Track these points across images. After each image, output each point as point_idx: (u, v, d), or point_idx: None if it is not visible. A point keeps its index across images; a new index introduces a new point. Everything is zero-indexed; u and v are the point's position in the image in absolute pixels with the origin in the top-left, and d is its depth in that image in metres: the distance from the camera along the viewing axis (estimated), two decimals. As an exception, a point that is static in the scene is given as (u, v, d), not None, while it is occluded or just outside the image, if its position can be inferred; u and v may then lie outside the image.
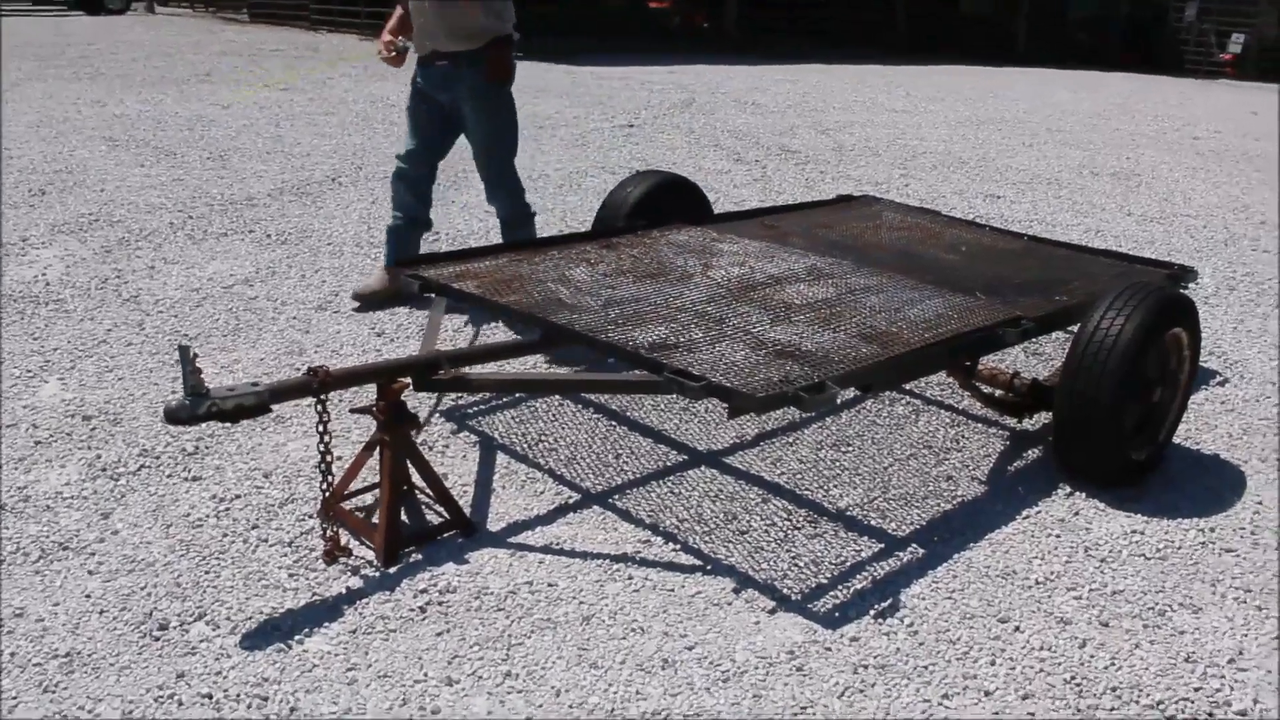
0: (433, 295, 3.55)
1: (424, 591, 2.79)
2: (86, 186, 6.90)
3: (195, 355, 2.59)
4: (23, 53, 14.47)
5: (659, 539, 3.06)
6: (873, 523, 3.19)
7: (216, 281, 5.16)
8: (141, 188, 6.93)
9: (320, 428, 2.81)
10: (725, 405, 2.75)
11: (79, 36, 18.20)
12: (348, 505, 3.12)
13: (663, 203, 4.68)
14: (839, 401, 3.85)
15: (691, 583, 2.86)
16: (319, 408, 2.81)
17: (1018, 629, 2.73)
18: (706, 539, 3.07)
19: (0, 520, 3.05)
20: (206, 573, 2.85)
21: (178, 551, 2.94)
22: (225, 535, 3.02)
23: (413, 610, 2.71)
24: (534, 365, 4.17)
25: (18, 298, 4.83)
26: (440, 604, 2.74)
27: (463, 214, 6.48)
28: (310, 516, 3.11)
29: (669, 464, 3.51)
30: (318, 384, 2.77)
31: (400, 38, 4.63)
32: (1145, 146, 9.96)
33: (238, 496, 3.22)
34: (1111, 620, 2.77)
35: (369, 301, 4.86)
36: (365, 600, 2.75)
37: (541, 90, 10.80)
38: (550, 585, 2.83)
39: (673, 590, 2.82)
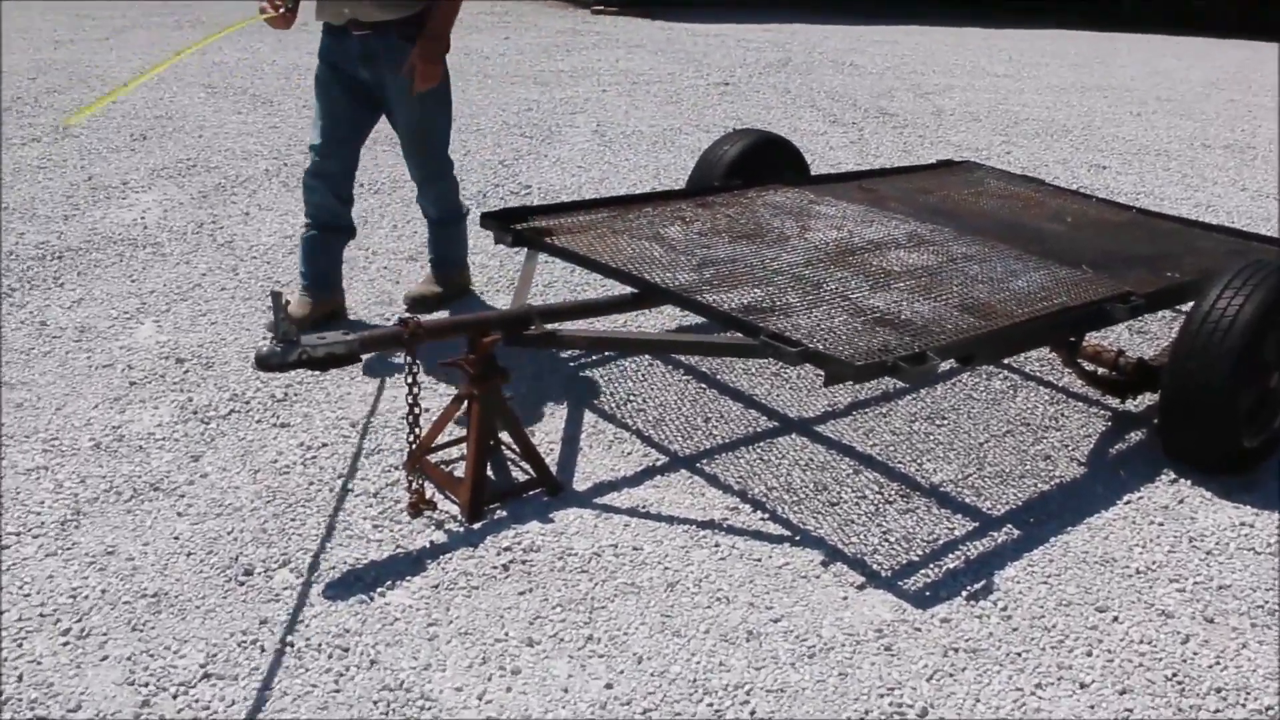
0: (525, 249, 3.51)
1: (508, 549, 2.76)
2: (185, 132, 6.99)
3: (288, 302, 2.58)
4: (127, -2, 14.72)
5: (747, 506, 3.00)
6: (966, 500, 3.09)
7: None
8: (238, 134, 7.00)
9: (409, 379, 2.79)
10: (821, 372, 2.66)
11: (181, -17, 18.45)
12: (434, 459, 3.11)
13: (759, 162, 4.57)
14: (938, 373, 3.73)
15: (779, 553, 2.79)
16: (408, 359, 2.79)
17: (1116, 619, 2.62)
18: (795, 509, 3.00)
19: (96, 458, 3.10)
20: (292, 520, 2.86)
21: (264, 498, 2.95)
22: (311, 484, 3.03)
23: (496, 568, 2.69)
24: (625, 323, 4.12)
25: (117, 240, 4.91)
26: (524, 563, 2.72)
27: (555, 168, 6.43)
28: (396, 468, 3.11)
29: (759, 430, 3.44)
30: (408, 335, 2.75)
31: None
32: (1262, 118, 9.52)
33: (325, 445, 3.23)
34: (1217, 616, 2.65)
35: (419, 305, 4.20)
36: (448, 555, 2.74)
37: (635, 46, 10.68)
38: (635, 549, 2.79)
39: (759, 560, 2.76)
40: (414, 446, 2.88)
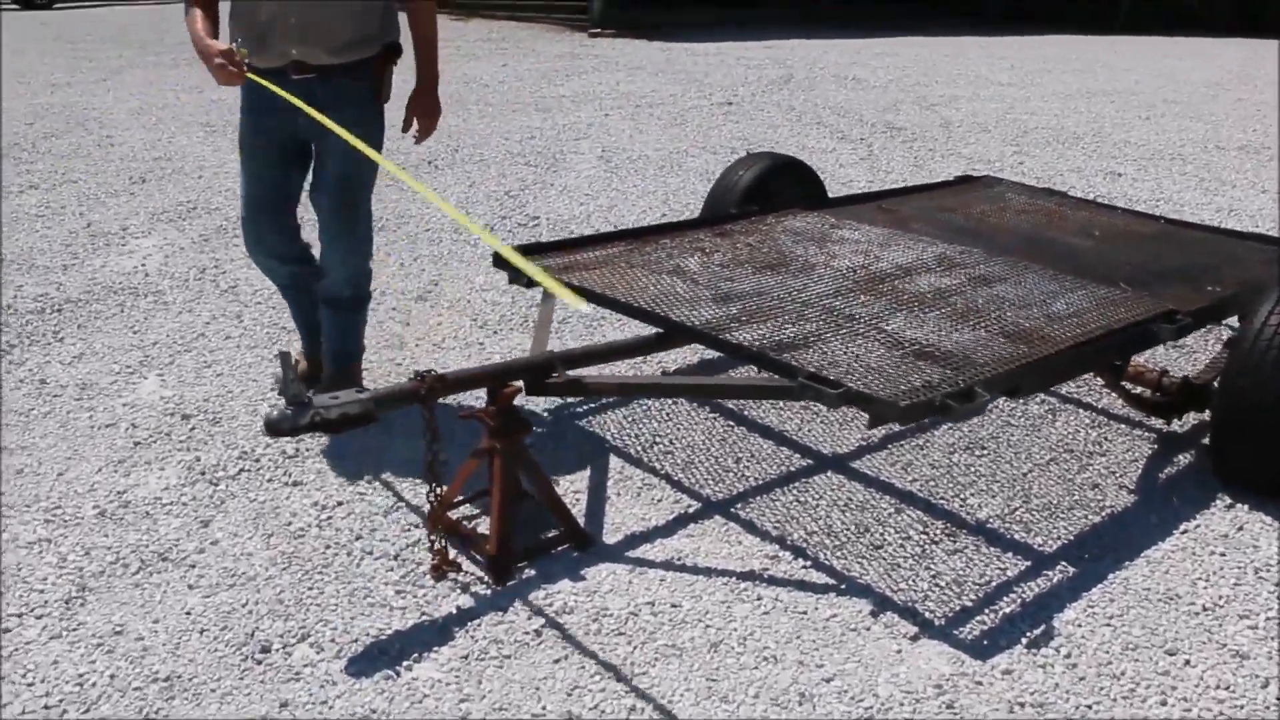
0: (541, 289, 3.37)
1: (539, 613, 2.62)
2: (185, 174, 6.88)
3: (297, 362, 2.45)
4: (124, 39, 14.69)
5: (787, 554, 2.85)
6: (1016, 537, 2.94)
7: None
8: (239, 175, 6.88)
9: (428, 435, 2.65)
10: (864, 413, 2.52)
11: (177, 21, 18.44)
12: (455, 515, 2.97)
13: (775, 186, 4.44)
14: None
15: (825, 604, 2.64)
16: (427, 414, 2.65)
17: (1188, 663, 2.46)
18: (839, 554, 2.85)
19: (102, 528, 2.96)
20: (310, 588, 2.71)
21: (279, 564, 2.81)
22: (328, 547, 2.89)
23: (527, 634, 2.54)
24: (653, 364, 3.98)
25: (118, 289, 4.79)
26: (557, 626, 2.57)
27: (562, 197, 6.31)
28: (416, 527, 2.96)
29: (792, 469, 3.29)
30: (425, 390, 2.61)
31: (235, 44, 3.16)
32: (1272, 117, 9.39)
33: (340, 503, 3.09)
34: (1298, 657, 2.50)
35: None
36: (477, 622, 2.59)
37: (635, 68, 10.59)
38: (674, 606, 2.64)
39: (805, 613, 2.61)
40: (435, 505, 2.74)
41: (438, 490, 2.71)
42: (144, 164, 7.11)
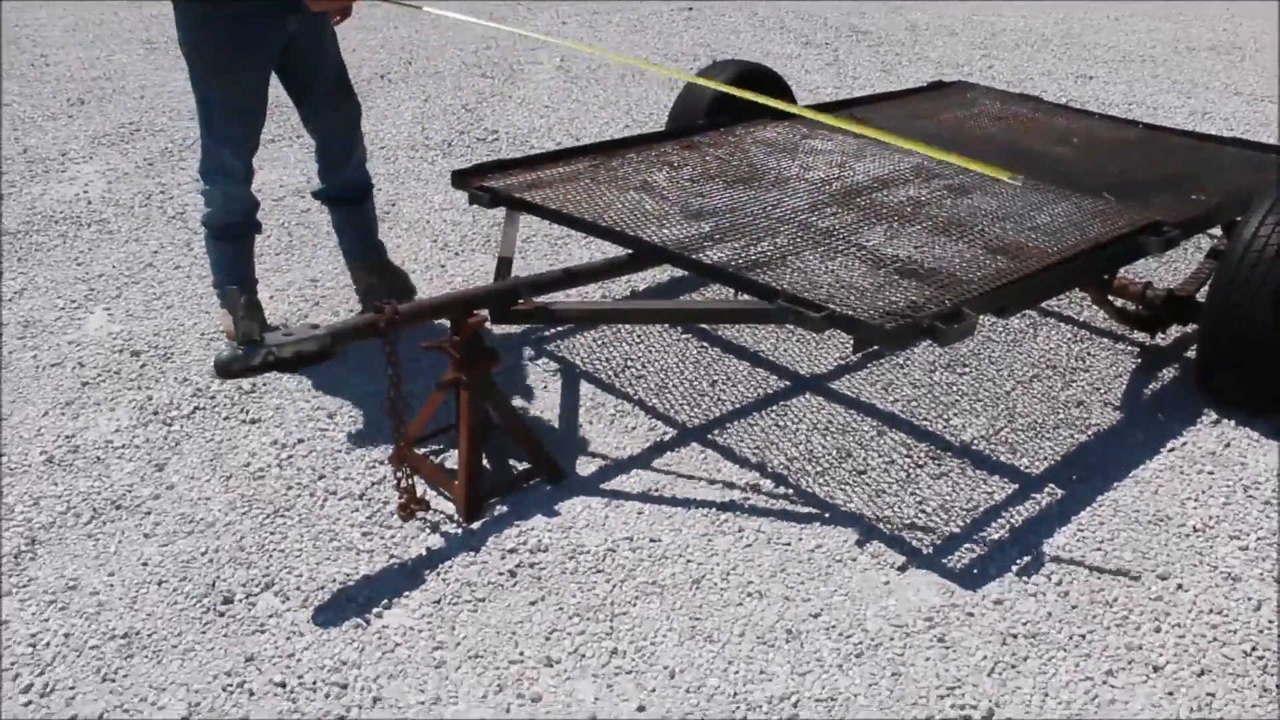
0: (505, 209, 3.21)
1: (513, 551, 2.51)
2: (126, 94, 6.56)
3: (244, 299, 2.29)
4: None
5: (768, 482, 2.76)
6: (1002, 458, 2.87)
7: (266, 193, 4.83)
8: (183, 93, 6.55)
9: (390, 369, 2.51)
10: (849, 336, 2.41)
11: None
12: (422, 451, 2.85)
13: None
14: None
15: (809, 534, 2.56)
16: (388, 347, 2.51)
17: (1181, 587, 2.41)
18: (821, 480, 2.76)
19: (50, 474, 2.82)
20: (272, 533, 2.59)
21: (239, 509, 2.68)
22: (290, 488, 2.76)
23: (502, 574, 2.45)
24: (624, 285, 3.84)
25: (59, 219, 4.56)
26: (532, 566, 2.47)
27: (520, 109, 6.08)
28: (381, 464, 2.84)
29: (770, 391, 3.19)
30: (385, 322, 2.46)
31: None
32: (1241, 14, 9.23)
33: (301, 441, 2.96)
34: (1292, 576, 2.45)
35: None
36: (448, 563, 2.49)
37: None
38: (653, 541, 2.54)
39: (789, 544, 2.53)
40: (399, 441, 2.61)
41: (401, 426, 2.58)
42: (82, 84, 6.77)
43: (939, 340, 2.35)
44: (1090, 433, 2.99)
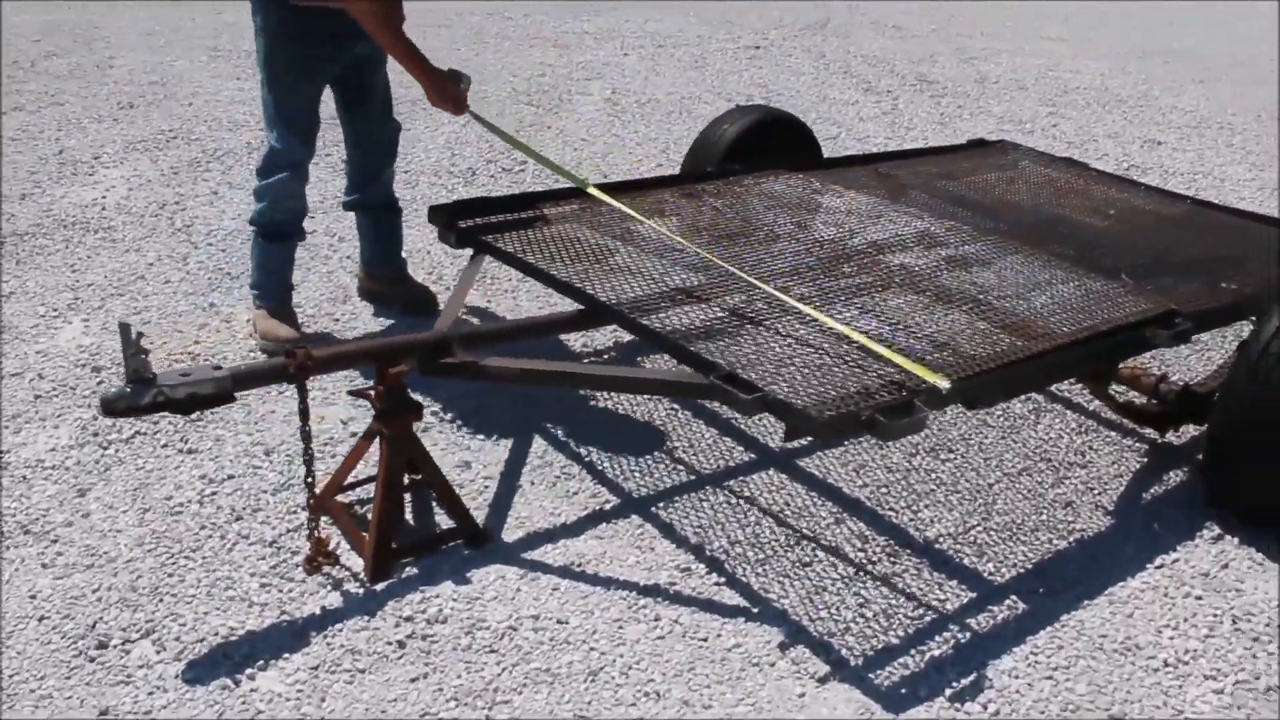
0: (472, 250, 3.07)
1: (409, 619, 2.35)
2: (176, 100, 6.61)
3: (139, 335, 2.17)
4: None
5: (701, 566, 2.55)
6: (966, 561, 2.62)
7: None
8: (231, 102, 6.60)
9: (302, 416, 2.37)
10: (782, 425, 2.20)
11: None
12: (347, 499, 2.70)
13: (764, 143, 4.07)
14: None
15: (730, 631, 2.35)
16: (302, 393, 2.37)
17: (1136, 731, 2.14)
18: (759, 570, 2.55)
19: (-36, 493, 2.73)
20: (169, 575, 2.47)
21: (146, 545, 2.56)
22: (203, 528, 2.63)
23: (390, 644, 2.28)
24: (579, 344, 3.66)
25: (69, 223, 4.54)
26: (424, 638, 2.30)
27: (556, 141, 5.95)
28: (303, 508, 2.70)
29: (732, 463, 2.98)
30: (294, 368, 2.32)
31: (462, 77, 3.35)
32: (1343, 86, 8.74)
33: (230, 477, 2.83)
34: (1263, 733, 2.16)
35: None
36: (339, 626, 2.33)
37: (664, 6, 10.10)
38: (559, 622, 2.35)
39: (705, 640, 2.32)
40: (310, 494, 2.46)
41: (310, 479, 2.43)
42: (138, 88, 6.84)
43: (880, 435, 2.13)
44: (1072, 539, 2.72)
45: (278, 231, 3.50)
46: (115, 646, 2.25)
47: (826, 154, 5.26)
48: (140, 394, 2.16)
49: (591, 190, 3.01)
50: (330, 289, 4.02)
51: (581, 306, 2.68)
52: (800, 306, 2.55)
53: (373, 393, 2.48)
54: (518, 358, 2.55)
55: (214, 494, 2.76)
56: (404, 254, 3.94)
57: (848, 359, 2.41)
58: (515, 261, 2.90)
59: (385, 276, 3.87)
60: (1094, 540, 2.73)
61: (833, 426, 2.11)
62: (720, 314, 2.63)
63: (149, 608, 2.36)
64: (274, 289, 3.54)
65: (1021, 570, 2.59)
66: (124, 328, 2.13)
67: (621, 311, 2.55)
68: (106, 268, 4.12)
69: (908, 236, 3.31)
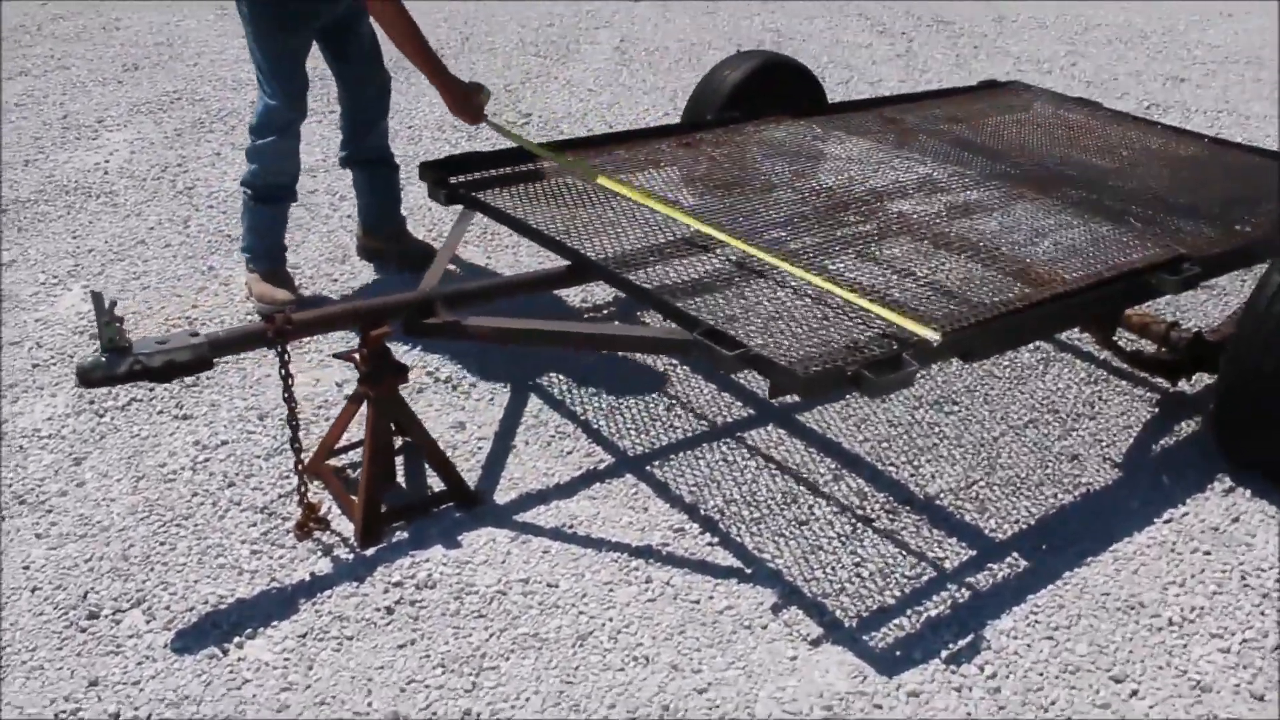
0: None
1: (398, 585, 2.33)
2: (182, 60, 6.55)
3: (113, 304, 2.14)
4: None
5: (695, 526, 2.51)
6: (966, 518, 2.56)
7: None
8: (236, 61, 6.53)
9: (284, 381, 2.34)
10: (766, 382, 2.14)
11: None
12: (339, 463, 2.68)
13: (767, 90, 3.98)
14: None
15: (722, 592, 2.31)
16: (282, 358, 2.33)
17: (1135, 693, 2.09)
18: (754, 529, 2.50)
19: (-42, 464, 2.73)
20: (161, 543, 2.45)
21: (139, 513, 2.55)
22: (195, 495, 2.62)
23: (378, 610, 2.26)
24: (575, 299, 3.60)
25: (71, 189, 4.51)
26: (413, 603, 2.28)
27: (563, 92, 5.85)
28: (294, 473, 2.67)
29: (731, 419, 2.93)
30: (274, 332, 2.28)
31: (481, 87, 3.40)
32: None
33: (224, 443, 2.81)
34: (1267, 693, 2.10)
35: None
36: (328, 593, 2.31)
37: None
38: (550, 585, 2.32)
39: (697, 602, 2.28)
40: (298, 459, 2.43)
41: (296, 444, 2.40)
42: (143, 49, 6.78)
43: (867, 392, 2.07)
44: (1077, 494, 2.66)
45: (269, 194, 3.46)
46: (106, 617, 2.25)
47: (839, 99, 5.15)
48: (116, 363, 2.13)
49: (603, 181, 2.94)
50: (329, 248, 3.98)
51: (569, 262, 2.62)
52: (778, 263, 2.48)
53: (357, 356, 2.45)
54: (503, 317, 2.49)
55: (207, 460, 2.75)
56: (404, 211, 3.89)
57: (841, 313, 2.35)
58: (504, 218, 2.84)
59: (383, 234, 3.82)
60: (1100, 495, 2.67)
61: (817, 383, 2.06)
62: (712, 269, 2.57)
63: (140, 577, 2.35)
64: (266, 251, 3.50)
65: (1024, 527, 2.53)
66: (96, 296, 2.10)
67: (606, 267, 2.49)
68: (108, 233, 4.10)
69: (910, 183, 3.22)
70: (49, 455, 2.78)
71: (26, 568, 2.39)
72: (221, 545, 2.45)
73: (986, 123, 3.98)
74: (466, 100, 3.28)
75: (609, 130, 5.19)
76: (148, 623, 2.24)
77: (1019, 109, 4.22)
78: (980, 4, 8.12)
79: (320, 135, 5.08)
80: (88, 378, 2.13)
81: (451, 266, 3.84)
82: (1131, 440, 2.88)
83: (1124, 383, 3.16)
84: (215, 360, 2.26)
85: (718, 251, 2.66)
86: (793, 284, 2.49)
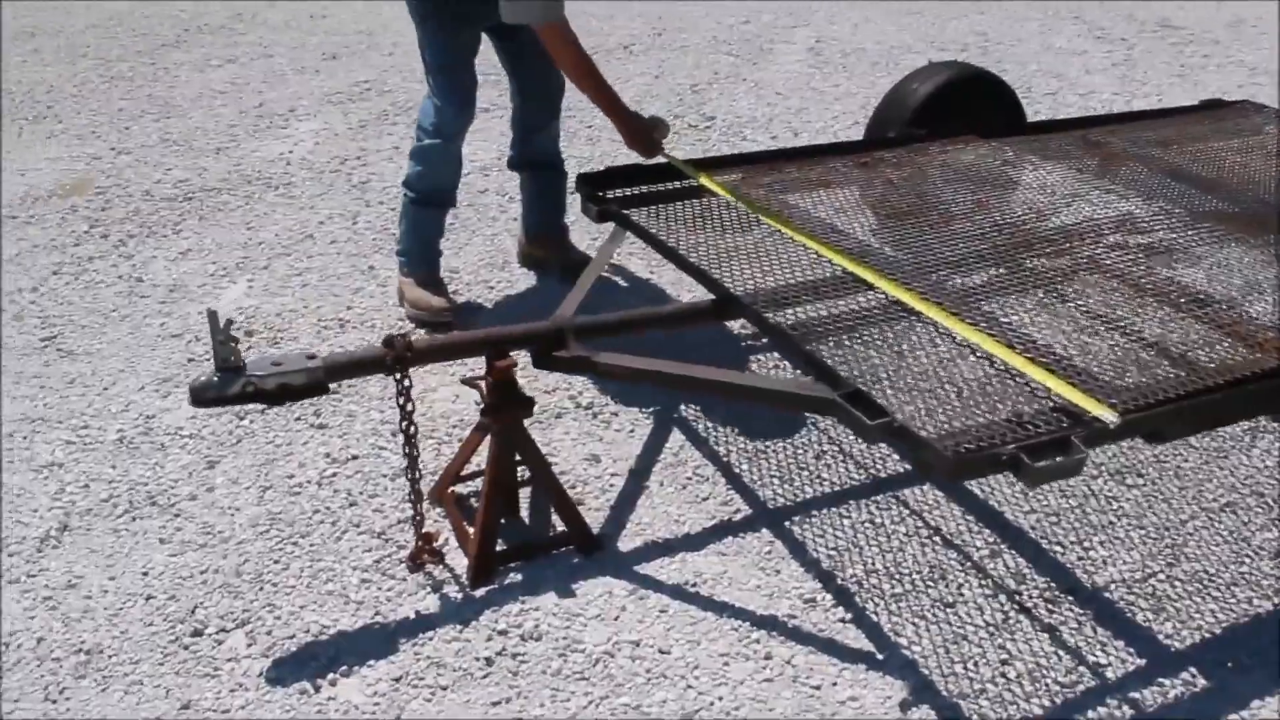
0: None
1: (503, 633, 2.20)
2: (377, 50, 6.68)
3: (229, 322, 2.08)
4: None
5: (828, 598, 2.29)
6: (1139, 617, 2.25)
7: None
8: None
9: (401, 412, 2.25)
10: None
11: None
12: (464, 490, 2.58)
13: (959, 106, 3.68)
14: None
15: (848, 680, 2.09)
16: (400, 385, 2.24)
17: None
18: (893, 606, 2.26)
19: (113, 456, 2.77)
20: (275, 561, 2.41)
21: (260, 526, 2.52)
22: (317, 511, 2.57)
23: (478, 660, 2.14)
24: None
25: (253, 178, 4.62)
26: (515, 656, 2.15)
27: (750, 95, 5.64)
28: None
29: (884, 474, 2.69)
30: (392, 359, 2.19)
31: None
32: None
33: (354, 457, 2.77)
34: None
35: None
36: (430, 634, 2.21)
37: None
38: (661, 652, 2.16)
39: (818, 688, 2.07)
40: (414, 488, 2.34)
41: (413, 474, 2.31)
42: (344, 38, 6.96)
43: (1024, 480, 1.80)
44: (1278, 600, 2.30)
45: (429, 198, 3.42)
46: (209, 635, 2.22)
47: (1043, 113, 4.78)
48: (229, 383, 2.08)
49: (767, 221, 2.72)
50: (491, 252, 3.92)
51: (714, 296, 2.44)
52: (940, 317, 2.22)
53: (482, 384, 2.34)
54: (640, 352, 2.33)
55: (334, 475, 2.70)
56: (569, 220, 3.78)
57: (1006, 375, 2.08)
58: (653, 240, 2.68)
59: (544, 242, 3.73)
60: (1307, 600, 2.30)
61: (967, 467, 1.80)
62: (869, 312, 2.33)
63: (249, 595, 2.32)
64: (421, 255, 3.46)
65: (1207, 635, 2.20)
66: (211, 315, 2.05)
67: (751, 306, 2.29)
68: (280, 225, 4.16)
69: (1105, 221, 2.88)
70: (186, 456, 2.80)
71: (145, 573, 2.39)
72: (333, 570, 2.39)
73: (1207, 149, 3.56)
74: (646, 135, 3.13)
75: (794, 138, 4.98)
76: (248, 646, 2.19)
77: (1247, 133, 3.76)
78: (1214, 3, 7.45)
79: (500, 132, 5.04)
80: (200, 397, 2.09)
81: (610, 275, 3.72)
82: (1352, 537, 2.49)
83: (1349, 464, 2.75)
84: (330, 386, 2.18)
85: (879, 292, 2.42)
86: (956, 336, 2.23)
